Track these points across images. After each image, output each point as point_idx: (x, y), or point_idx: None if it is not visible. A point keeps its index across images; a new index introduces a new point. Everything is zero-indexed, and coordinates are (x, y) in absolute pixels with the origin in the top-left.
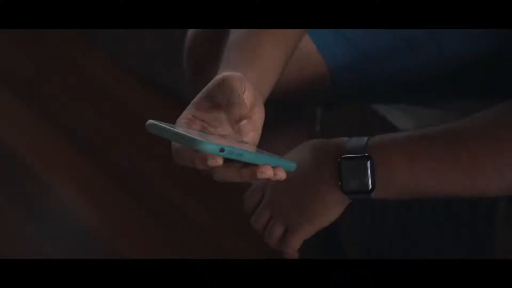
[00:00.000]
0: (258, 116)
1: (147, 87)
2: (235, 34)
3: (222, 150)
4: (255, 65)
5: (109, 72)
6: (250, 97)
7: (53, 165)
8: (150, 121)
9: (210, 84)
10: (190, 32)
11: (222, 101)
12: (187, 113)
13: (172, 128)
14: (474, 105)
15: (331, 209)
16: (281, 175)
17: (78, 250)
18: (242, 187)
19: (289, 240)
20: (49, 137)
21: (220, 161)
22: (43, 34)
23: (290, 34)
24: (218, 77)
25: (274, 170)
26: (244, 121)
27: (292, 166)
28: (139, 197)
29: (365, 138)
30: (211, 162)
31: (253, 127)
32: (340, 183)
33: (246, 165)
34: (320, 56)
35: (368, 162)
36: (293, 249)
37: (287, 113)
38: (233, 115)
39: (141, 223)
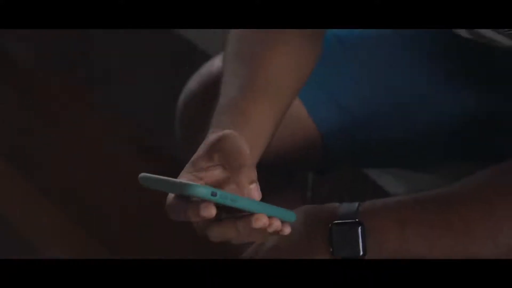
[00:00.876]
0: None
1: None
2: (224, 96)
3: (214, 194)
4: (245, 129)
5: (108, 72)
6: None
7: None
8: (142, 174)
9: (209, 143)
10: (181, 100)
11: (230, 163)
12: (186, 174)
13: (162, 177)
14: (467, 169)
15: None
16: (277, 224)
17: None
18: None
19: None
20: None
21: (213, 211)
22: (43, 34)
23: (280, 98)
24: (218, 135)
25: (269, 219)
26: (254, 185)
27: (292, 216)
28: (139, 201)
29: (356, 204)
30: (204, 211)
31: (242, 192)
32: (331, 250)
33: (241, 218)
34: (311, 120)
35: (359, 228)
36: None
37: (278, 179)
38: (244, 178)
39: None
